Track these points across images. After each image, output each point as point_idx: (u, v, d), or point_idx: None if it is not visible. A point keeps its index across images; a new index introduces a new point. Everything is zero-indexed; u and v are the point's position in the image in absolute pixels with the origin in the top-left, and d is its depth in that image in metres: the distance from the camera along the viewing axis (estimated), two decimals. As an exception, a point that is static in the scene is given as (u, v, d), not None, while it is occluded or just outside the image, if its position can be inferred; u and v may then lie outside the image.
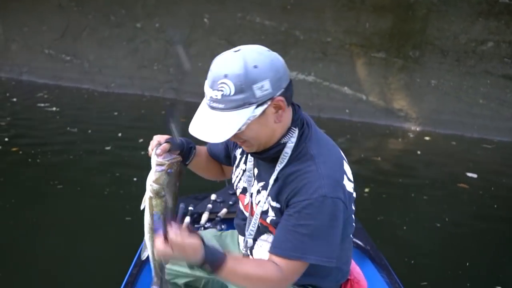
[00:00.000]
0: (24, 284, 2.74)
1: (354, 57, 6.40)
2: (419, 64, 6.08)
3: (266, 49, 1.23)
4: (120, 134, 5.47)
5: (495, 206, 3.90)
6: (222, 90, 1.16)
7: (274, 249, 1.28)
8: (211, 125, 1.20)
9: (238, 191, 1.52)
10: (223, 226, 2.29)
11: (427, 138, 5.69)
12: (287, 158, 1.31)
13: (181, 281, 1.68)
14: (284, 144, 1.30)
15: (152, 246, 1.31)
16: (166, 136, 1.40)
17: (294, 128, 1.31)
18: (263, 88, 1.17)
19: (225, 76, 1.15)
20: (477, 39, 5.79)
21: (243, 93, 1.16)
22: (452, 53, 5.92)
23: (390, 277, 2.11)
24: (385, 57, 6.23)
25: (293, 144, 1.30)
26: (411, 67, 6.11)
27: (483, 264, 2.99)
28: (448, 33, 5.92)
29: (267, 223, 1.38)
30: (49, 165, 4.63)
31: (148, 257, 1.37)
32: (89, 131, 5.79)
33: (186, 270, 1.64)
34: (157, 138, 1.39)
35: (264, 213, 1.38)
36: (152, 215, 1.28)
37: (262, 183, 1.39)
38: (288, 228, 1.25)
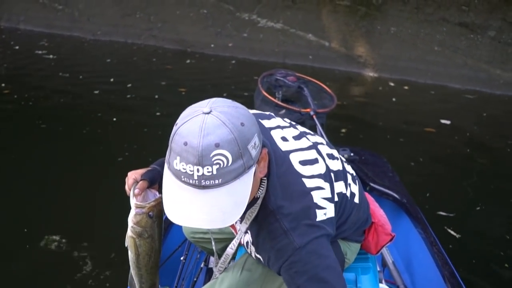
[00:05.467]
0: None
1: (320, 4, 6.57)
2: (380, 11, 6.21)
3: (230, 100, 1.04)
4: (112, 80, 5.83)
5: (468, 150, 4.22)
6: (219, 163, 0.94)
7: None
8: (212, 207, 0.98)
9: None
10: None
11: (405, 87, 5.78)
12: (254, 213, 1.17)
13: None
14: (257, 199, 1.15)
15: (139, 283, 1.31)
16: (141, 171, 1.25)
17: (264, 178, 1.13)
18: (255, 145, 1.00)
19: (217, 145, 0.93)
20: (437, -14, 5.87)
21: (241, 158, 0.96)
22: (412, 1, 6.03)
23: (425, 230, 2.10)
24: (350, 4, 6.38)
25: (263, 196, 1.15)
26: (373, 14, 6.26)
27: (441, 194, 3.45)
28: (411, -20, 6.02)
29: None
30: (37, 107, 5.10)
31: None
32: (80, 76, 6.19)
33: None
34: (132, 176, 1.23)
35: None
36: (137, 254, 1.23)
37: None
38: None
